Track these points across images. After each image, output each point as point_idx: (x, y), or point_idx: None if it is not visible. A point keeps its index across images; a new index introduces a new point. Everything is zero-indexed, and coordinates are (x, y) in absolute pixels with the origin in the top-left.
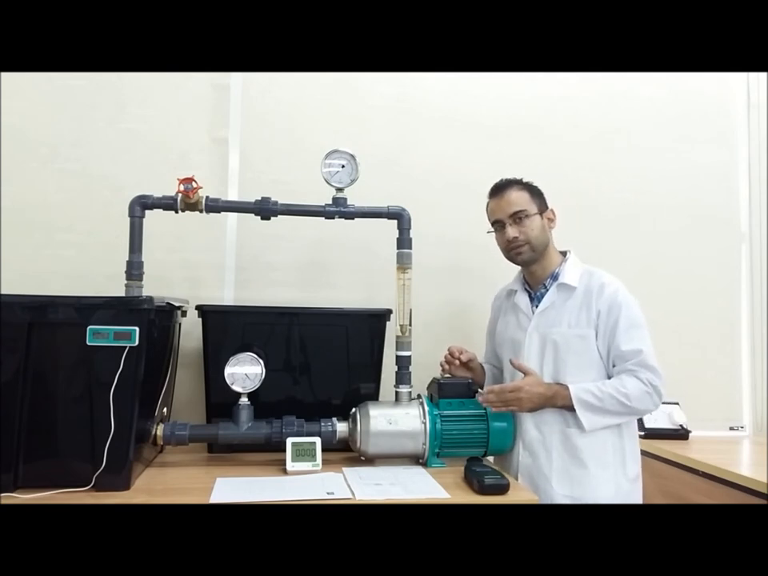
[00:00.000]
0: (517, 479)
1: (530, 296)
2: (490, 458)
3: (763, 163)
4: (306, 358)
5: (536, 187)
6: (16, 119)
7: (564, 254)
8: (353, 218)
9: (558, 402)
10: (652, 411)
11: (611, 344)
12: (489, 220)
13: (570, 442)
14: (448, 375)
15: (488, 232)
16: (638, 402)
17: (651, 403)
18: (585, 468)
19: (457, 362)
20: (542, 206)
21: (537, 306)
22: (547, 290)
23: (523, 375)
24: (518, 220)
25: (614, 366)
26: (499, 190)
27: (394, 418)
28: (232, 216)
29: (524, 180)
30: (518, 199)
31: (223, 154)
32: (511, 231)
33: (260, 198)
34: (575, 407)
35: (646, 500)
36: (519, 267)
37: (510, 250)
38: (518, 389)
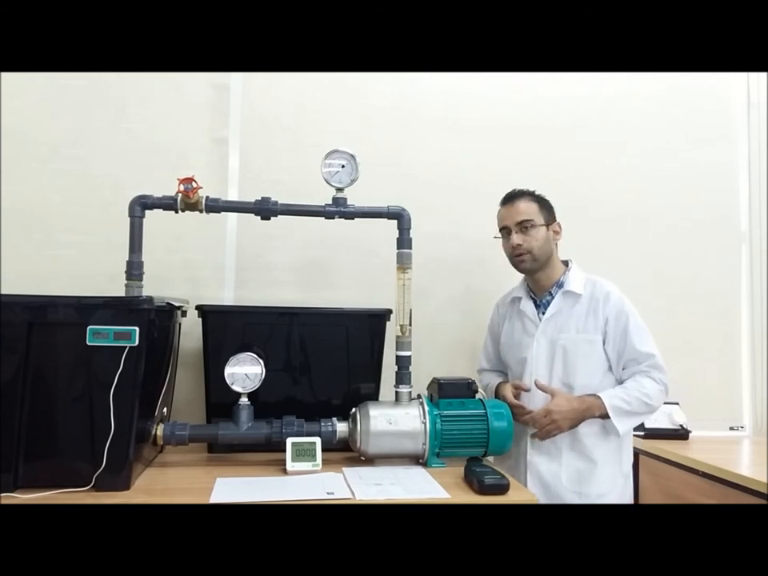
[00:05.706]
0: (526, 477)
1: (534, 303)
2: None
3: (763, 163)
4: (306, 358)
5: (547, 201)
6: (16, 119)
7: (566, 263)
8: (353, 218)
9: (596, 412)
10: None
11: (623, 348)
12: (498, 226)
13: (579, 441)
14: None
15: (495, 237)
16: (656, 400)
17: (663, 399)
18: (593, 463)
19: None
20: (550, 218)
21: (543, 313)
22: (553, 297)
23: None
24: (523, 229)
25: (623, 368)
26: (510, 199)
27: (394, 418)
28: (232, 216)
29: (536, 192)
30: (527, 209)
31: (223, 154)
32: (516, 238)
33: (260, 198)
34: (610, 415)
35: (646, 500)
36: (523, 275)
37: (514, 257)
38: (549, 412)
